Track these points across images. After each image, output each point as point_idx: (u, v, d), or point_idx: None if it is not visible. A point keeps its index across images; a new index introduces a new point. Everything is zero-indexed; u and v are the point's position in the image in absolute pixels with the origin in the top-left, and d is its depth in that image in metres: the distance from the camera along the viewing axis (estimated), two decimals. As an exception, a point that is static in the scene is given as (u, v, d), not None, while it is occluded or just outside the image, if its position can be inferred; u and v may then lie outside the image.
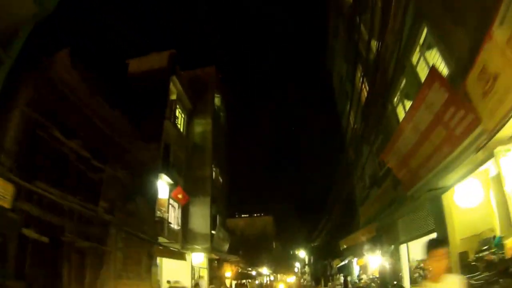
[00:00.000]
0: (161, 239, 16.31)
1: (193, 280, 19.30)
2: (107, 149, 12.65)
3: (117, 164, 13.22)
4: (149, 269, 13.44)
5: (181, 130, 22.99)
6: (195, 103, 24.77)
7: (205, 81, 26.43)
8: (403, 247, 12.05)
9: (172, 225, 18.66)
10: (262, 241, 47.49)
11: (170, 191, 18.63)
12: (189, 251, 19.52)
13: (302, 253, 55.05)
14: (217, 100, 27.35)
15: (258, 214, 63.22)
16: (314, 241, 25.25)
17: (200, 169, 22.12)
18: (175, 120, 21.67)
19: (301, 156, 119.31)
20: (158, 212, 17.34)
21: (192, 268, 19.83)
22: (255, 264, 41.98)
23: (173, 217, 19.13)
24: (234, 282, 28.17)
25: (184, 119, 23.80)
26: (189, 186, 21.19)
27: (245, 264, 34.52)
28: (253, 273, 39.34)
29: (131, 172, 14.17)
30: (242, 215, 61.82)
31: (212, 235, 21.00)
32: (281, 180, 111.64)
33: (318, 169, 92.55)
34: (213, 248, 21.03)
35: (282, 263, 59.75)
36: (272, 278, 57.40)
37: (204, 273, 22.61)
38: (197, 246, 19.57)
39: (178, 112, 22.72)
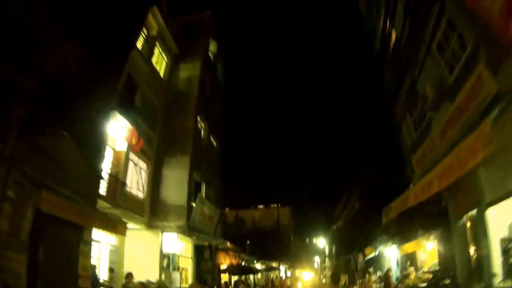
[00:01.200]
0: (104, 205, 10.83)
1: (163, 272, 13.61)
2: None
3: (21, 63, 7.88)
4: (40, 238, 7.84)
5: (161, 74, 17.67)
6: (184, 50, 19.54)
7: (199, 26, 20.99)
8: (489, 214, 6.76)
9: (131, 190, 13.18)
10: (277, 233, 41.99)
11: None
12: (158, 230, 13.90)
13: (321, 242, 48.72)
14: (212, 47, 21.64)
15: (274, 205, 58.74)
16: (336, 221, 19.09)
17: (180, 121, 16.37)
18: (151, 58, 16.41)
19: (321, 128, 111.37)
20: (108, 168, 11.96)
21: (164, 256, 13.98)
22: (267, 257, 36.56)
23: (135, 179, 13.62)
24: (234, 278, 22.40)
25: (167, 63, 18.50)
26: (165, 141, 15.76)
27: (250, 256, 28.87)
28: (262, 267, 33.77)
29: (48, 86, 8.79)
30: (258, 206, 58.06)
31: (190, 208, 14.93)
32: (298, 158, 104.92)
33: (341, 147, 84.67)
34: (190, 228, 14.77)
35: (300, 257, 54.58)
36: (289, 273, 51.90)
37: (189, 265, 16.91)
38: (167, 223, 13.80)
39: (157, 52, 17.52)
